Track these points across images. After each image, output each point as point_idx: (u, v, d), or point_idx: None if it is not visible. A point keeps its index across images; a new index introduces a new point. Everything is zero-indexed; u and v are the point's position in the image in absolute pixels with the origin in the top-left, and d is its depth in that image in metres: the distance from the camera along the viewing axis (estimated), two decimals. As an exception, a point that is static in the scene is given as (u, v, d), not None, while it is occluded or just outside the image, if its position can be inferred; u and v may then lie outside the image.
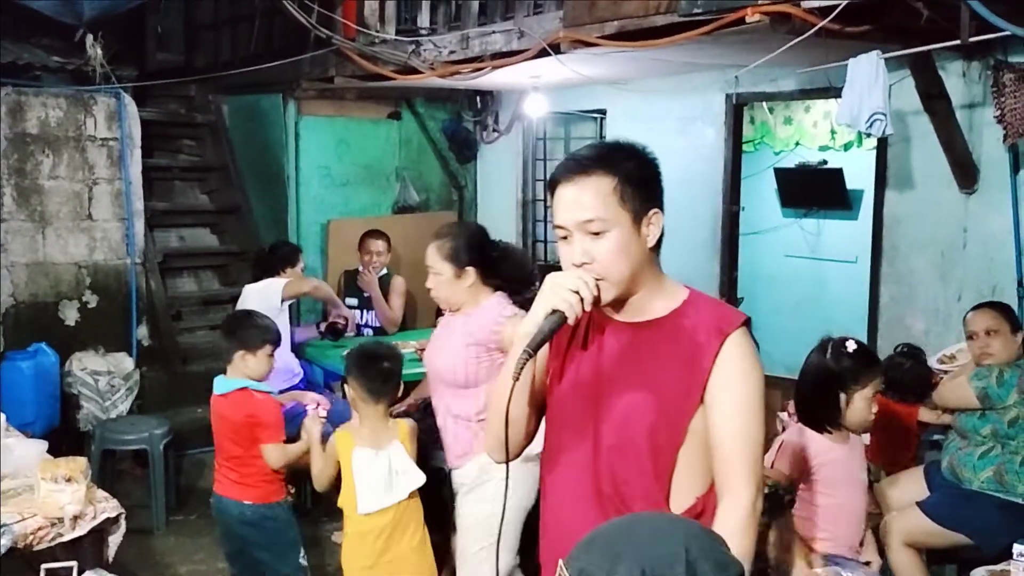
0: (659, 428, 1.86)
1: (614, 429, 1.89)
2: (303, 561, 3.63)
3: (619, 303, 1.90)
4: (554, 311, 1.79)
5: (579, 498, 1.93)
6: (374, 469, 3.30)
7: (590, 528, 1.87)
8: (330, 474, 3.43)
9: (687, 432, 1.86)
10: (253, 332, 3.66)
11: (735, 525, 1.80)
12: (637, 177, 1.85)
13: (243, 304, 5.01)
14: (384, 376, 3.38)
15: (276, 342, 3.72)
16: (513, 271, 3.39)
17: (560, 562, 1.24)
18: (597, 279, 1.82)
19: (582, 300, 1.78)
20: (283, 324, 4.81)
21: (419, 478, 3.37)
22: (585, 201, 1.82)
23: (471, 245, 3.26)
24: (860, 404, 3.11)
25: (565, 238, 1.87)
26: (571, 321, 1.80)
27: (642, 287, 1.90)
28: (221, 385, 3.63)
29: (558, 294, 1.79)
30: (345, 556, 3.40)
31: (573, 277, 1.81)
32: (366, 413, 3.37)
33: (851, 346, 3.20)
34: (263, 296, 5.01)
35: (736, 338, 1.86)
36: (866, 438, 4.38)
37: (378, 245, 5.86)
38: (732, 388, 1.85)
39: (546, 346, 1.88)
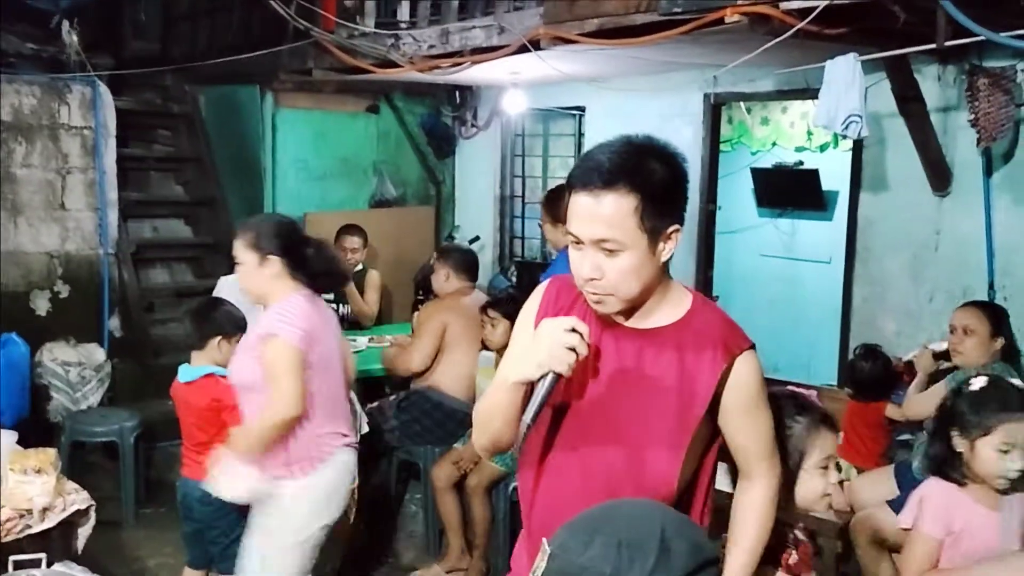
0: (661, 434, 1.85)
1: (617, 433, 1.86)
2: None
3: (626, 310, 1.87)
4: (552, 372, 1.74)
5: (581, 502, 1.86)
6: None
7: None
8: None
9: (689, 440, 1.86)
10: (232, 319, 3.67)
11: (761, 499, 1.99)
12: (662, 193, 1.77)
13: (218, 295, 4.99)
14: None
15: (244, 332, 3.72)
16: (322, 268, 3.30)
17: (544, 540, 1.27)
18: (605, 295, 1.80)
19: (578, 356, 1.74)
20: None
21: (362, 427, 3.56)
22: (603, 218, 1.74)
23: (274, 234, 3.21)
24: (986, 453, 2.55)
25: (578, 245, 1.81)
26: (568, 375, 1.76)
27: (650, 297, 1.87)
28: (187, 373, 3.60)
29: (555, 355, 1.73)
30: None
31: (566, 332, 1.73)
32: None
33: (978, 383, 2.64)
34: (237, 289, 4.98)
35: (747, 360, 1.88)
36: (839, 437, 4.44)
37: (353, 241, 5.85)
38: (750, 410, 1.92)
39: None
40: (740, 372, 1.86)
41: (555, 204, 3.59)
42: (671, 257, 1.86)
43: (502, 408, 1.86)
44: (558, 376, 1.75)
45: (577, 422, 1.90)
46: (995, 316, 3.98)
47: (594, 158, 1.79)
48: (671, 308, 1.89)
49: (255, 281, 3.19)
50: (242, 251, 3.21)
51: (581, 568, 1.21)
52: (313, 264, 3.22)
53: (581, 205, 1.77)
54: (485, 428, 1.95)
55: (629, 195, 1.73)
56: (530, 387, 1.81)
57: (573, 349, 1.72)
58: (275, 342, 2.98)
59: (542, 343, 1.75)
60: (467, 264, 4.90)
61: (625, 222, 1.74)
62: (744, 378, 1.87)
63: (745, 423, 1.92)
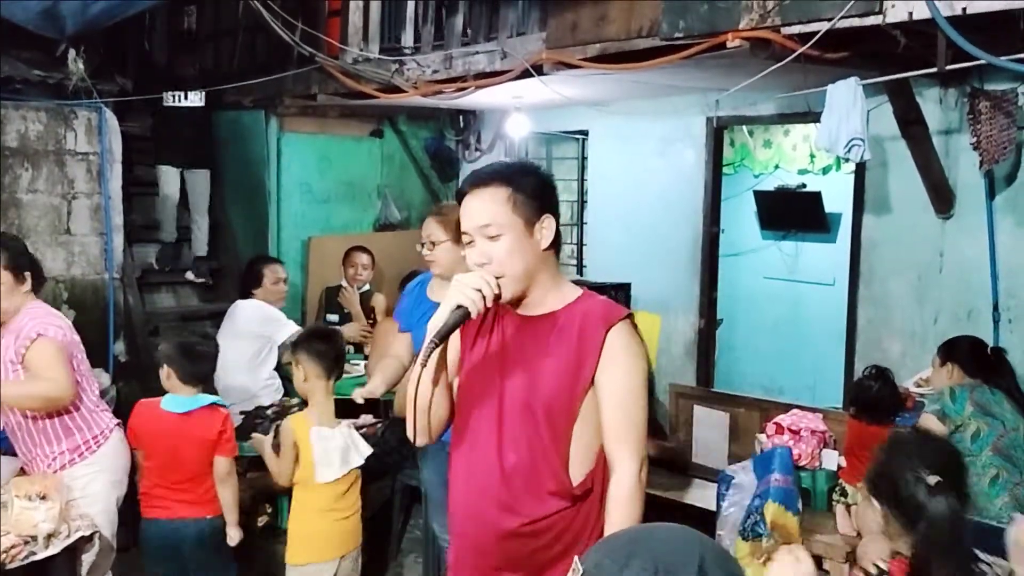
0: (554, 406, 2.11)
1: (515, 408, 2.13)
2: None
3: (518, 299, 2.16)
4: (459, 307, 2.02)
5: (486, 472, 2.15)
6: (332, 443, 3.57)
7: (496, 500, 2.12)
8: (291, 461, 3.56)
9: (579, 412, 2.11)
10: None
11: (623, 494, 2.10)
12: (530, 188, 2.13)
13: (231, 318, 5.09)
14: (336, 354, 3.69)
15: None
16: None
17: (576, 558, 1.26)
18: (497, 277, 2.06)
19: (484, 297, 2.02)
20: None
21: (367, 450, 3.70)
22: (483, 208, 2.11)
23: (23, 251, 3.58)
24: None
25: (471, 243, 2.12)
26: (474, 315, 2.03)
27: (538, 285, 2.16)
28: (181, 403, 3.61)
29: (463, 292, 2.02)
30: (294, 515, 3.61)
31: (476, 277, 2.05)
32: (316, 390, 3.61)
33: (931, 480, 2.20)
34: (261, 319, 5.09)
35: (620, 329, 2.12)
36: (842, 461, 4.42)
37: (363, 259, 5.90)
38: (618, 374, 2.10)
39: (457, 340, 2.20)
40: (612, 337, 2.11)
41: (450, 219, 3.63)
42: (556, 250, 2.17)
43: (412, 393, 2.10)
44: (466, 312, 2.01)
45: (482, 402, 2.18)
46: (944, 347, 4.14)
47: (476, 171, 2.22)
48: (560, 296, 2.19)
49: (9, 301, 3.44)
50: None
51: None
52: None
53: (466, 205, 2.15)
54: (407, 418, 2.16)
55: (500, 187, 2.12)
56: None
57: (479, 290, 2.02)
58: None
59: (455, 286, 2.05)
60: None
61: (500, 208, 2.10)
62: (614, 346, 2.10)
63: (612, 391, 2.10)
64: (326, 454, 3.55)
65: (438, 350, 2.06)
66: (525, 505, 2.13)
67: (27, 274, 3.47)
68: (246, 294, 5.35)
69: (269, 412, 4.37)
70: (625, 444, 2.11)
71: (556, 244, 2.17)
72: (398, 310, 3.83)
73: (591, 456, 2.16)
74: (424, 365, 2.03)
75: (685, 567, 1.19)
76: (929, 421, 3.82)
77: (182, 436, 3.58)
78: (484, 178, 2.15)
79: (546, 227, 2.14)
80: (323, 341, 3.70)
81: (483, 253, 2.10)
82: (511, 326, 2.19)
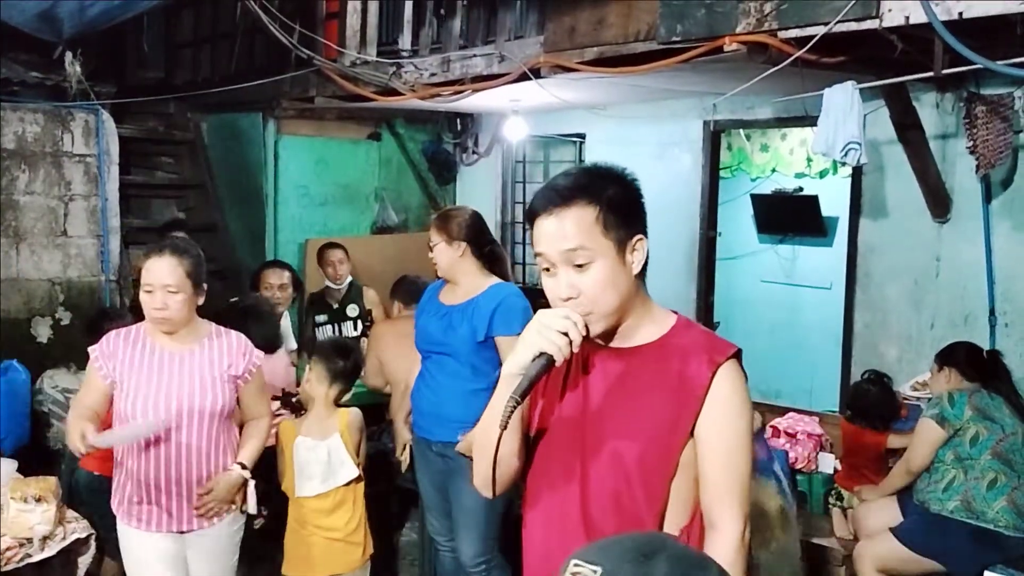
0: (649, 459, 1.80)
1: (603, 461, 1.83)
2: None
3: (607, 331, 1.85)
4: (541, 354, 1.72)
5: (567, 531, 1.85)
6: (314, 456, 3.49)
7: None
8: (283, 464, 3.56)
9: (678, 464, 1.80)
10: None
11: (726, 558, 1.75)
12: (619, 204, 1.79)
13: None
14: (353, 366, 3.69)
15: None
16: None
17: (571, 561, 1.18)
18: (585, 314, 1.76)
19: (571, 342, 1.72)
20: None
21: (352, 472, 3.55)
22: (568, 231, 1.76)
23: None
24: None
25: (548, 270, 1.81)
26: (559, 362, 1.73)
27: (630, 315, 1.84)
28: None
29: (546, 336, 1.71)
30: (288, 532, 3.58)
31: (561, 317, 1.73)
32: (317, 396, 3.57)
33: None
34: None
35: (728, 370, 1.81)
36: (838, 464, 4.43)
37: (337, 254, 5.88)
38: (724, 423, 1.80)
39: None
40: (720, 380, 1.80)
41: (448, 222, 3.65)
42: (643, 272, 1.85)
43: (489, 451, 1.81)
44: (550, 360, 1.72)
45: (565, 452, 1.88)
46: (941, 353, 4.11)
47: (550, 185, 1.85)
48: (654, 327, 1.88)
49: None
50: None
51: None
52: None
53: (543, 227, 1.80)
54: (476, 468, 1.91)
55: (588, 207, 1.77)
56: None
57: (566, 333, 1.71)
58: None
59: (534, 329, 1.74)
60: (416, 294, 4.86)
61: (590, 230, 1.76)
62: (723, 389, 1.80)
63: (717, 444, 1.80)
64: (307, 466, 3.48)
65: (520, 408, 1.76)
66: None
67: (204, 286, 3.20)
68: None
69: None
70: (728, 503, 1.79)
71: (645, 266, 1.85)
72: (417, 326, 3.80)
73: (687, 511, 1.85)
74: (505, 427, 1.72)
75: (706, 570, 1.17)
76: (928, 426, 3.82)
77: None
78: (565, 194, 1.78)
79: (638, 248, 1.81)
80: (339, 353, 3.67)
81: (570, 285, 1.77)
82: (597, 362, 1.87)
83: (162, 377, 3.04)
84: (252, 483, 3.15)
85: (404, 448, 4.24)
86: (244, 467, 3.14)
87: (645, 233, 1.84)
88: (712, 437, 1.79)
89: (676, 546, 1.21)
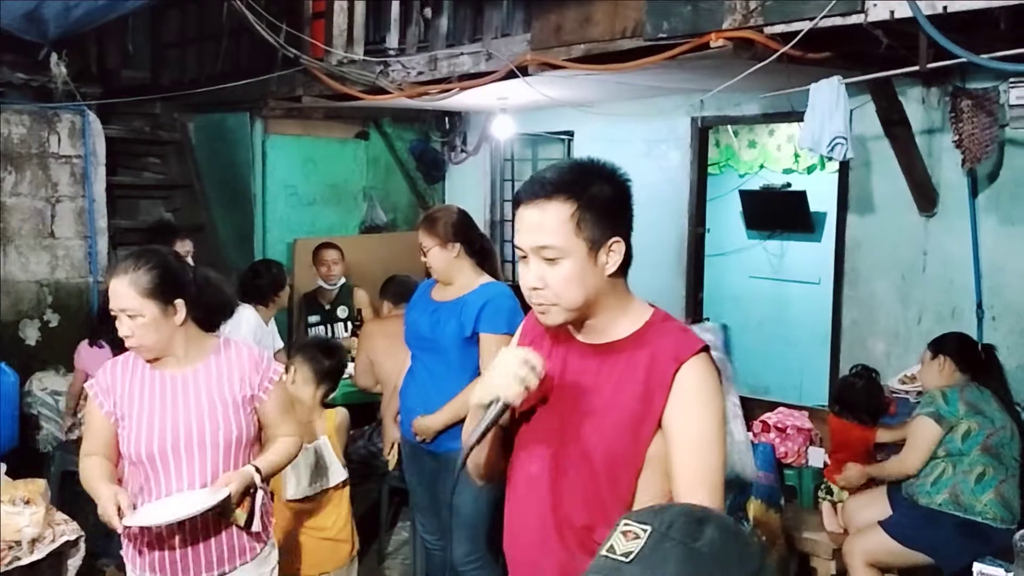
0: (617, 452, 1.83)
1: (574, 452, 1.87)
2: None
3: (580, 324, 1.90)
4: (499, 399, 1.79)
5: (540, 524, 1.91)
6: (301, 460, 3.38)
7: (549, 553, 1.90)
8: None
9: (646, 457, 1.82)
10: None
11: None
12: (600, 203, 1.81)
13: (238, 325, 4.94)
14: (338, 365, 3.69)
15: None
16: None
17: (621, 521, 1.20)
18: (550, 304, 1.84)
19: (528, 389, 1.79)
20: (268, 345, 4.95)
21: (341, 474, 3.55)
22: (543, 226, 1.81)
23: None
24: None
25: (524, 258, 1.87)
26: (517, 405, 1.82)
27: (602, 311, 1.88)
28: None
29: (506, 383, 1.79)
30: (275, 532, 3.44)
31: (520, 366, 1.79)
32: (304, 398, 3.53)
33: None
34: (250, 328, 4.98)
35: (693, 365, 1.82)
36: (827, 458, 4.44)
37: (332, 255, 5.87)
38: (689, 415, 1.81)
39: None
40: (684, 375, 1.82)
41: (437, 225, 3.63)
42: (624, 271, 1.88)
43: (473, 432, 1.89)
44: (506, 405, 1.80)
45: (539, 443, 1.93)
46: (935, 342, 4.06)
47: (539, 175, 1.88)
48: (628, 322, 1.90)
49: None
50: None
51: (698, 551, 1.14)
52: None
53: (523, 217, 1.85)
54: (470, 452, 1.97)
55: (566, 203, 1.81)
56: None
57: (524, 381, 1.78)
58: None
59: (496, 371, 1.81)
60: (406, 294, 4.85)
61: (561, 228, 1.80)
62: (687, 382, 1.81)
63: (683, 436, 1.80)
64: (294, 468, 3.37)
65: (479, 446, 1.86)
66: (583, 563, 1.68)
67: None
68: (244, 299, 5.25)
69: None
70: (700, 496, 1.75)
71: (626, 265, 1.88)
72: (407, 322, 3.80)
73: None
74: (463, 466, 1.87)
75: (749, 547, 1.20)
76: (925, 424, 3.82)
77: None
78: (548, 187, 1.82)
79: (614, 251, 1.83)
80: (324, 353, 3.65)
81: (538, 277, 1.83)
82: (572, 356, 1.92)
83: (165, 406, 2.63)
84: (261, 495, 2.69)
85: (392, 447, 4.24)
86: (258, 470, 2.66)
87: (626, 234, 1.87)
88: (678, 429, 1.81)
89: (725, 518, 1.22)
